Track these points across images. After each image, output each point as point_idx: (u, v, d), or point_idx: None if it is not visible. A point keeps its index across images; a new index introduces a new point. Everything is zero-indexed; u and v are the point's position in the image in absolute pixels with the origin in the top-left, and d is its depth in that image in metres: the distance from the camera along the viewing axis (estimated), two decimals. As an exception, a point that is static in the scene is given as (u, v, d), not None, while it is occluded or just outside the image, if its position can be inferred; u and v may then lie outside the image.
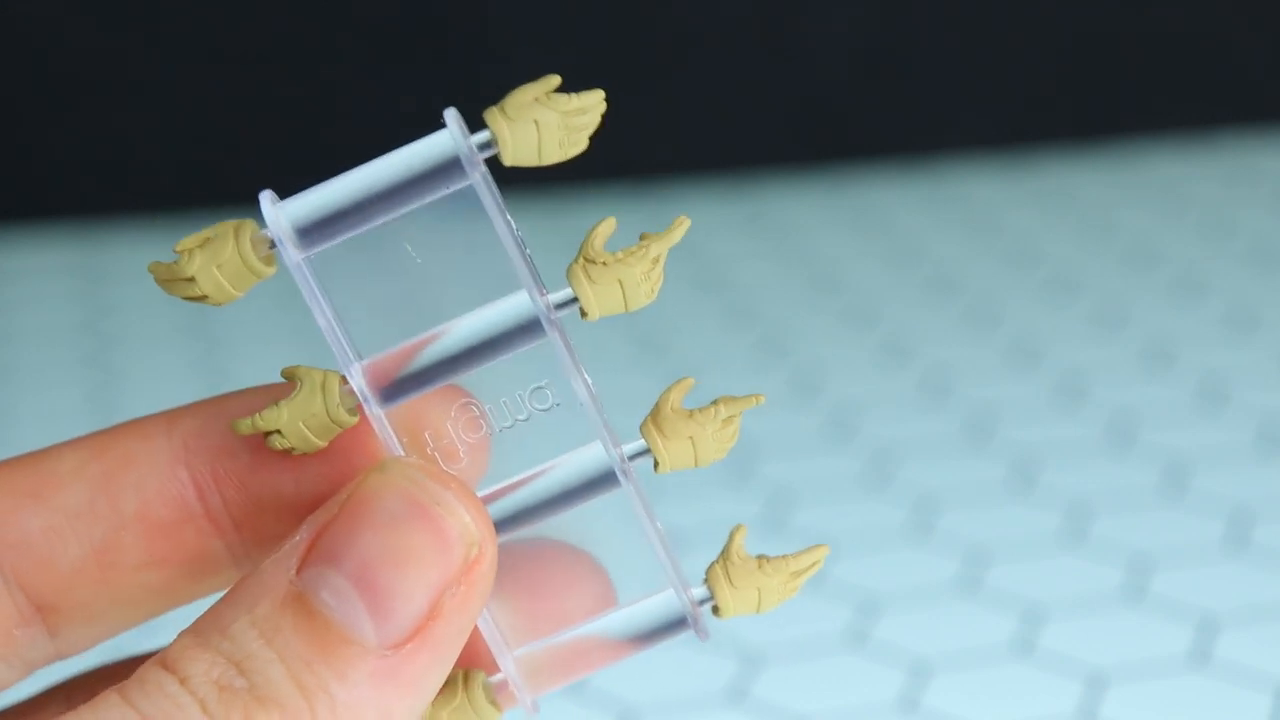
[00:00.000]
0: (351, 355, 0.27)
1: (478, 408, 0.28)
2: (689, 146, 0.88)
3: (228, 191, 0.86)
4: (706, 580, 0.29)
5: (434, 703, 0.28)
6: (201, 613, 0.26)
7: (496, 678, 0.29)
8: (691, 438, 0.28)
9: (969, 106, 0.90)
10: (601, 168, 0.85)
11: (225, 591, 0.28)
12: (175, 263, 0.27)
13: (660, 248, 0.27)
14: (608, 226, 0.27)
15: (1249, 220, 0.84)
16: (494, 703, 0.29)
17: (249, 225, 0.27)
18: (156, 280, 0.27)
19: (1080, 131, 0.91)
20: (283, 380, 0.28)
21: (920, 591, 0.56)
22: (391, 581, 0.25)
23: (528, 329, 0.27)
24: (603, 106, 0.27)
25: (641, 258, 0.27)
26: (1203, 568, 0.56)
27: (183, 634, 0.26)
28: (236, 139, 0.85)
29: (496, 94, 0.27)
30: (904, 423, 0.66)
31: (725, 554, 0.29)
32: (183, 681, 0.25)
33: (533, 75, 0.27)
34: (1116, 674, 0.51)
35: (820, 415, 0.67)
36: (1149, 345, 0.72)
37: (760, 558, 0.29)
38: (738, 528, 0.29)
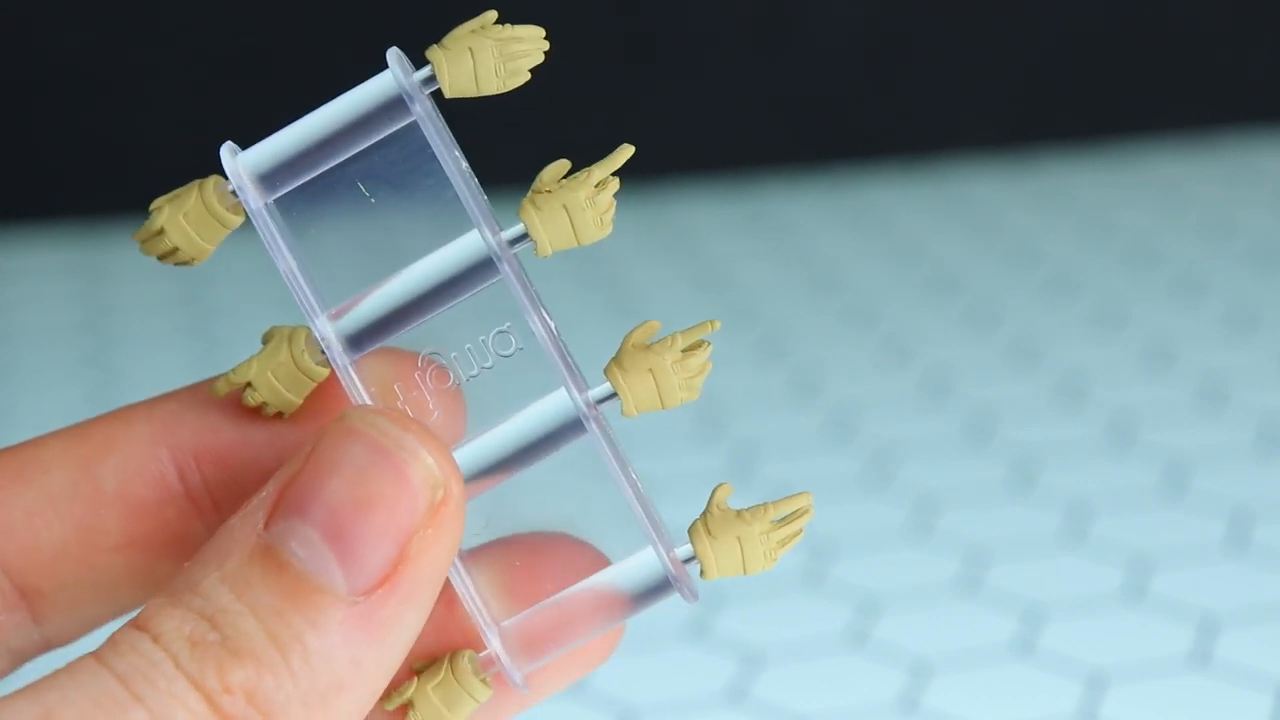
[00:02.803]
0: (316, 305, 0.28)
1: (444, 357, 0.28)
2: (689, 146, 0.88)
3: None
4: (688, 536, 0.29)
5: (420, 678, 0.28)
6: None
7: (484, 654, 0.29)
8: (651, 369, 0.28)
9: (969, 106, 0.90)
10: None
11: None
12: (148, 220, 0.28)
13: (601, 172, 0.27)
14: (559, 166, 0.28)
15: (1249, 220, 0.84)
16: (484, 681, 0.28)
17: (214, 178, 0.28)
18: (137, 242, 0.28)
19: (1080, 131, 0.91)
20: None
21: (920, 591, 0.56)
22: (358, 528, 0.25)
23: (482, 268, 0.27)
24: (542, 43, 0.27)
25: (584, 182, 0.27)
26: (1203, 568, 0.56)
27: (155, 596, 0.26)
28: (237, 139, 0.85)
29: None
30: (904, 423, 0.66)
31: (706, 509, 0.29)
32: (155, 639, 0.25)
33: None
34: (1116, 674, 0.51)
35: (820, 415, 0.67)
36: (1149, 345, 0.72)
37: (742, 510, 0.29)
38: (720, 485, 0.29)
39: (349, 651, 0.25)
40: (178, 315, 0.77)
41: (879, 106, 0.90)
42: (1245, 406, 0.66)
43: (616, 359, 0.28)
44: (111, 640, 0.25)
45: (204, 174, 0.29)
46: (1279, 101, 0.93)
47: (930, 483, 0.62)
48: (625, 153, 0.27)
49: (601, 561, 0.30)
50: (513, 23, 0.28)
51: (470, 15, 0.28)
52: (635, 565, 0.29)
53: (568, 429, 0.28)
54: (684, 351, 0.28)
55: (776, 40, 0.88)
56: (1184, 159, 0.91)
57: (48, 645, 0.30)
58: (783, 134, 0.90)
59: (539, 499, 0.29)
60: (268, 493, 0.26)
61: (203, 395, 0.29)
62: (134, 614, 0.30)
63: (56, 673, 0.25)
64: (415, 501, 0.26)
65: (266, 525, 0.26)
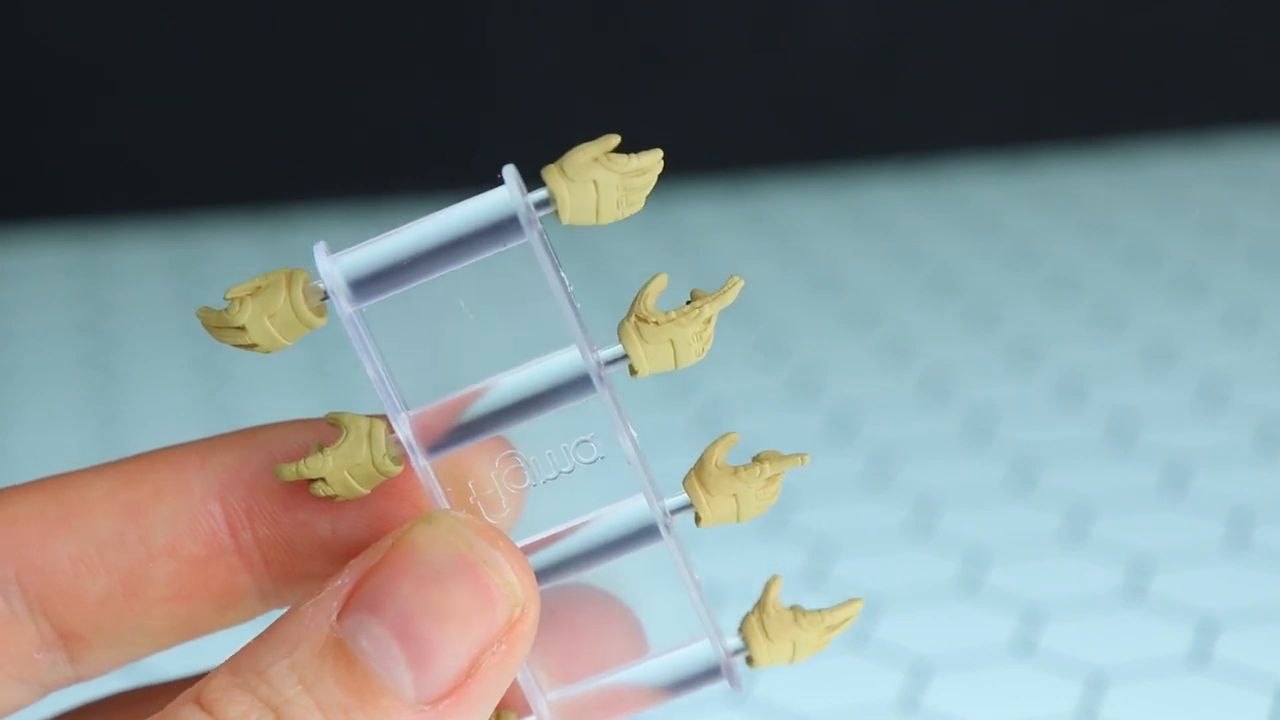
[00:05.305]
0: (400, 406, 0.27)
1: (522, 459, 0.28)
2: (689, 146, 0.88)
3: (228, 192, 0.86)
4: (741, 631, 0.29)
5: None
6: (233, 645, 0.26)
7: None
8: (735, 495, 0.28)
9: (969, 106, 0.90)
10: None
11: (254, 621, 0.28)
12: (225, 310, 0.27)
13: (713, 309, 0.27)
14: (659, 284, 0.27)
15: (1249, 220, 0.84)
16: None
17: (301, 276, 0.27)
18: (205, 326, 0.27)
19: (1080, 131, 0.91)
20: (313, 416, 0.28)
21: (920, 591, 0.56)
22: (433, 636, 0.25)
23: (577, 385, 0.27)
24: (660, 166, 0.27)
25: (694, 318, 0.27)
26: (1203, 568, 0.56)
27: (219, 672, 0.26)
28: (237, 139, 0.86)
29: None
30: (904, 423, 0.66)
31: (761, 606, 0.29)
32: None
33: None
34: (1116, 674, 0.51)
35: (820, 415, 0.67)
36: (1149, 345, 0.72)
37: (795, 609, 0.29)
38: (774, 579, 0.29)
39: None
40: (178, 315, 0.77)
41: (879, 106, 0.90)
42: (1245, 406, 0.66)
43: (700, 477, 0.28)
44: (172, 716, 0.25)
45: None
46: (1279, 101, 0.93)
47: (930, 483, 0.62)
48: (735, 287, 0.27)
49: (641, 632, 0.30)
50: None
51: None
52: (687, 655, 0.29)
53: (642, 534, 0.28)
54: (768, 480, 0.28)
55: (776, 40, 0.88)
56: (1184, 159, 0.91)
57: (79, 678, 0.29)
58: (783, 134, 0.90)
59: (592, 577, 0.30)
60: (343, 582, 0.26)
61: (257, 447, 0.29)
62: (171, 648, 0.29)
63: None
64: (493, 616, 0.26)
65: (339, 617, 0.25)
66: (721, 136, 0.89)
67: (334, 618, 0.25)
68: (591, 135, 0.27)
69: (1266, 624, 0.53)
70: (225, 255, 0.82)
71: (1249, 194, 0.87)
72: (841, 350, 0.73)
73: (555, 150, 0.27)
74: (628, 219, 0.27)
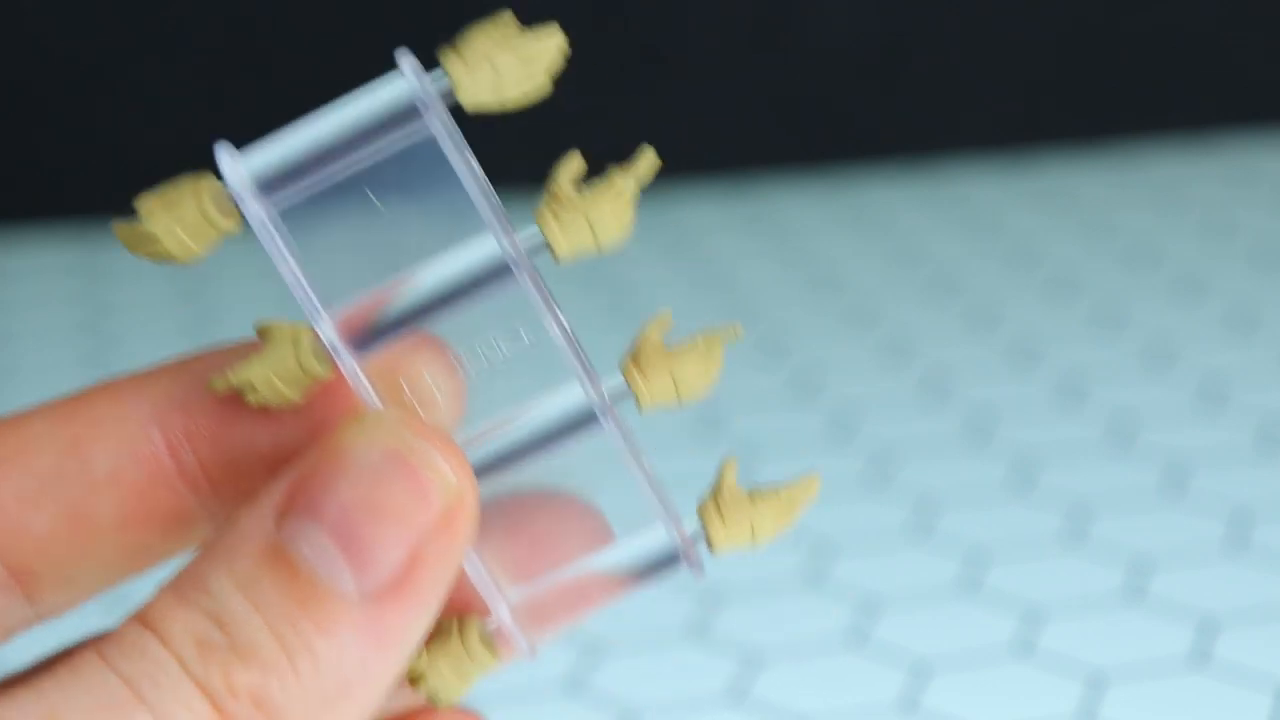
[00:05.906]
0: (320, 307, 0.27)
1: (454, 353, 0.28)
2: (689, 146, 0.88)
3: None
4: (698, 515, 0.29)
5: (430, 651, 0.28)
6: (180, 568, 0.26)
7: (492, 623, 0.29)
8: (672, 372, 0.28)
9: (969, 106, 0.90)
10: (602, 168, 0.85)
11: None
12: (137, 222, 0.27)
13: (627, 182, 0.27)
14: (573, 165, 0.27)
15: (1249, 220, 0.84)
16: (491, 649, 0.28)
17: (209, 179, 0.27)
18: (120, 240, 0.27)
19: (1080, 131, 0.91)
20: (255, 337, 0.28)
21: (920, 591, 0.56)
22: (371, 534, 0.25)
23: (496, 272, 0.27)
24: (562, 45, 0.26)
25: (608, 194, 0.27)
26: (1203, 568, 0.56)
27: (162, 590, 0.26)
28: (236, 139, 0.85)
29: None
30: (904, 423, 0.66)
31: (716, 489, 0.29)
32: (163, 640, 0.25)
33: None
34: (1116, 674, 0.51)
35: (820, 415, 0.67)
36: (1149, 345, 0.72)
37: (752, 490, 0.29)
38: (728, 461, 0.29)
39: (357, 656, 0.25)
40: (178, 315, 0.77)
41: (879, 106, 0.90)
42: (1245, 406, 0.66)
43: (635, 360, 0.28)
44: (117, 639, 0.25)
45: (205, 171, 0.28)
46: (1279, 101, 0.93)
47: (930, 483, 0.62)
48: (648, 158, 0.27)
49: (605, 527, 0.30)
50: (522, 22, 0.27)
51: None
52: (646, 541, 0.29)
53: (581, 422, 0.28)
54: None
55: (776, 40, 0.88)
56: (1184, 159, 0.91)
57: (39, 618, 0.29)
58: (783, 134, 0.90)
59: (545, 475, 0.29)
60: (278, 489, 0.26)
61: (192, 371, 0.29)
62: (127, 579, 0.29)
63: (58, 669, 0.25)
64: (429, 509, 0.26)
65: (277, 524, 0.26)
66: (721, 136, 0.89)
67: (270, 524, 0.26)
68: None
69: (1266, 624, 0.53)
70: (225, 255, 0.82)
71: (1249, 194, 0.87)
72: (841, 350, 0.73)
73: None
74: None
